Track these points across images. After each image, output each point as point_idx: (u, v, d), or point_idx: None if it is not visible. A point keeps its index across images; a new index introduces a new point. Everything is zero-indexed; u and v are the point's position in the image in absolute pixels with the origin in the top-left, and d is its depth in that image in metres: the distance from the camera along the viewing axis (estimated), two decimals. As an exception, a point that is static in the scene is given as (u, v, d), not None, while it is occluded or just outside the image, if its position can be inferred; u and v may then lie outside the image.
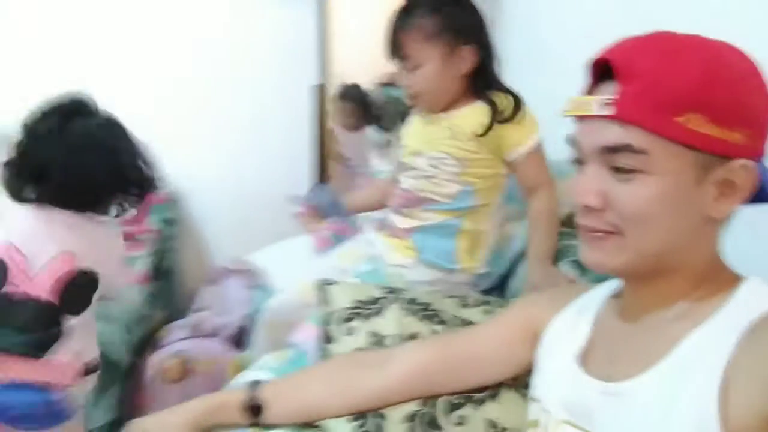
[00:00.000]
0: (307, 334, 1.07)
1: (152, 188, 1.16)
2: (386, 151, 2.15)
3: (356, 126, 2.33)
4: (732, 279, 0.60)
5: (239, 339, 1.73)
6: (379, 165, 2.13)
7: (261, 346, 1.37)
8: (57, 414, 1.03)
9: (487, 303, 1.00)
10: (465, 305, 0.98)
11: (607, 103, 0.58)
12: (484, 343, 0.81)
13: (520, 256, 1.32)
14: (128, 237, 1.70)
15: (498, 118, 1.15)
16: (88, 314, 1.09)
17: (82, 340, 1.08)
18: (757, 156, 0.57)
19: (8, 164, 1.05)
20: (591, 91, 0.62)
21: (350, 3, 2.20)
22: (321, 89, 2.15)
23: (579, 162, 0.63)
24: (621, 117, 0.57)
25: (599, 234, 0.61)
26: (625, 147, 0.57)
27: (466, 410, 0.80)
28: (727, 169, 0.56)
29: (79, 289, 1.06)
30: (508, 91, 1.19)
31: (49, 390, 1.02)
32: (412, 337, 0.90)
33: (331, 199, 1.44)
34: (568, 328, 0.72)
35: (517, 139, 1.16)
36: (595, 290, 0.75)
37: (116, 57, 2.00)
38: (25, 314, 1.01)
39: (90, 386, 1.14)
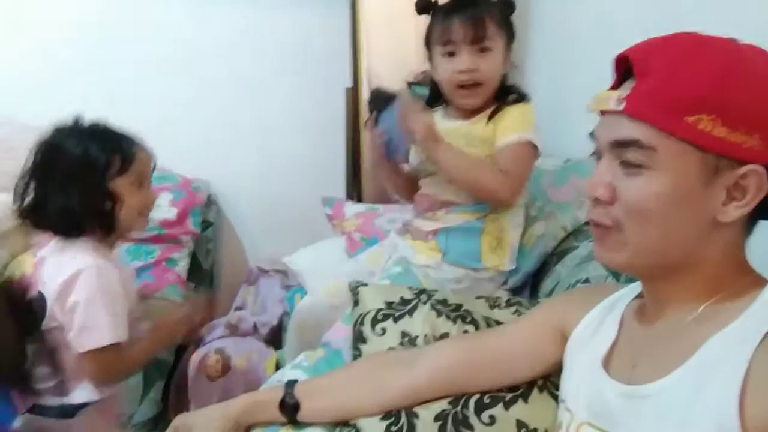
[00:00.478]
0: (340, 334, 1.10)
1: None
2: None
3: None
4: (756, 282, 0.60)
5: (275, 337, 1.77)
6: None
7: (292, 347, 1.40)
8: None
9: (518, 304, 1.01)
10: (496, 306, 0.99)
11: (621, 99, 0.59)
12: (512, 342, 0.82)
13: (551, 256, 1.32)
14: (170, 239, 1.78)
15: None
16: None
17: None
18: None
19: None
20: (614, 87, 0.64)
21: (382, 5, 2.21)
22: (354, 91, 2.17)
23: (597, 156, 0.65)
24: (631, 113, 0.58)
25: (602, 229, 0.63)
26: (634, 142, 0.58)
27: (497, 410, 0.81)
28: (738, 173, 0.56)
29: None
30: (518, 91, 1.24)
31: None
32: (443, 337, 0.92)
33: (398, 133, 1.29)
34: (594, 329, 0.73)
35: (508, 132, 1.18)
36: (623, 291, 0.75)
37: (153, 62, 2.06)
38: None
39: None
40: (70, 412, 1.12)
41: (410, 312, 0.95)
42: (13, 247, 1.76)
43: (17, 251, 1.77)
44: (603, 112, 0.63)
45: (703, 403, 0.53)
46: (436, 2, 1.22)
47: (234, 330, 1.75)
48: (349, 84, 2.13)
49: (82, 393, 1.13)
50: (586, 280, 1.09)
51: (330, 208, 1.89)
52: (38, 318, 1.10)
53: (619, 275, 1.02)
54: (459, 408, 0.81)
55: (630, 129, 0.59)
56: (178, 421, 0.87)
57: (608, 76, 0.65)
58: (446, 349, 0.85)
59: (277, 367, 1.55)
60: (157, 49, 2.05)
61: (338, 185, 2.21)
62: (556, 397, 0.81)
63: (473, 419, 0.81)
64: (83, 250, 1.11)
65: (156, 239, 1.75)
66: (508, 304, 1.00)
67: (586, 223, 1.26)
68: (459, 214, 1.23)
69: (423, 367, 0.82)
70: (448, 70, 1.20)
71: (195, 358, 1.60)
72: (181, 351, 1.69)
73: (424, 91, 1.38)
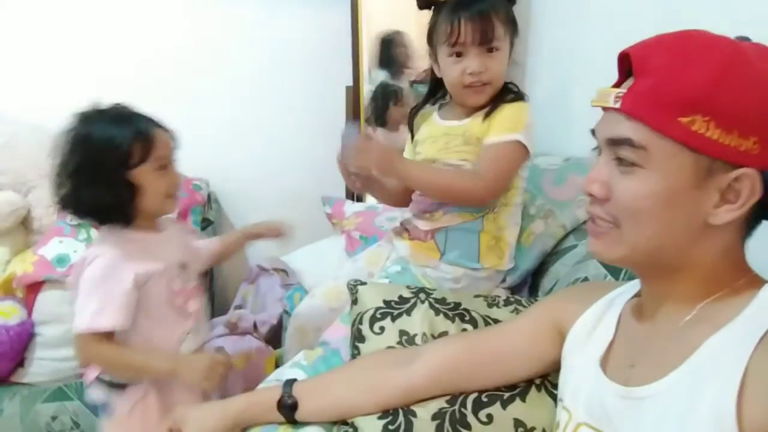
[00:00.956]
0: (338, 333, 1.10)
1: None
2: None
3: (386, 121, 2.33)
4: (753, 283, 0.59)
5: (275, 336, 1.77)
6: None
7: (291, 350, 1.40)
8: None
9: (516, 302, 1.00)
10: (494, 305, 0.99)
11: (618, 97, 0.59)
12: (510, 340, 0.82)
13: (550, 254, 1.32)
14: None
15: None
16: None
17: None
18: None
19: None
20: (617, 84, 0.64)
21: (382, 3, 2.21)
22: (354, 90, 2.17)
23: (599, 152, 0.65)
24: (627, 111, 0.58)
25: (600, 224, 0.63)
26: (626, 141, 0.58)
27: (494, 409, 0.81)
28: (731, 176, 0.55)
29: None
30: (516, 91, 1.22)
31: None
32: (441, 335, 0.92)
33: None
34: (592, 327, 0.73)
35: (494, 131, 1.17)
36: (620, 289, 0.75)
37: (152, 60, 2.06)
38: None
39: None
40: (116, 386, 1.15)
41: (408, 311, 0.95)
42: (14, 244, 1.77)
43: (18, 249, 1.78)
44: (604, 109, 0.63)
45: (700, 405, 0.53)
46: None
47: (233, 328, 1.75)
48: (350, 83, 2.13)
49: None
50: (585, 279, 1.09)
51: (329, 207, 1.89)
52: None
53: (618, 274, 1.02)
54: (457, 407, 0.81)
55: (625, 127, 0.59)
56: (177, 413, 0.87)
57: (609, 73, 0.65)
58: (444, 348, 0.85)
59: (277, 365, 1.55)
60: (156, 47, 2.05)
61: (338, 184, 2.20)
62: (554, 396, 0.81)
63: (471, 418, 0.81)
64: (102, 239, 1.13)
65: (156, 238, 1.75)
66: (507, 302, 1.00)
67: (585, 222, 1.26)
68: (457, 215, 1.22)
69: (421, 366, 0.82)
70: (457, 71, 1.18)
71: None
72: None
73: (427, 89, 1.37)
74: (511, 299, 1.01)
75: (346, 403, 0.84)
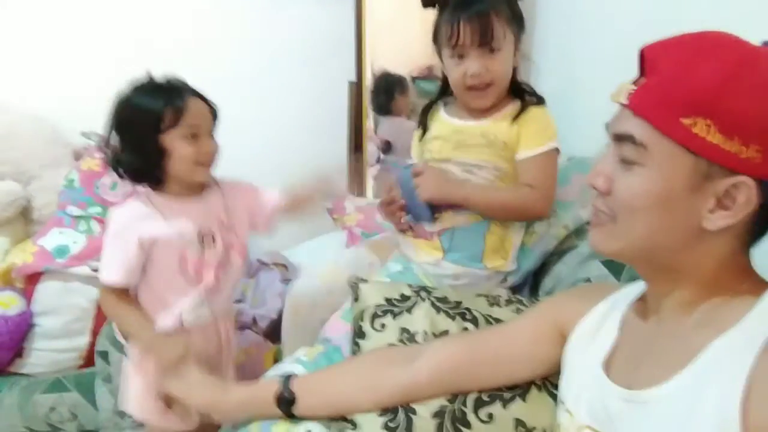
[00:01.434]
0: (340, 330, 1.09)
1: None
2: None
3: (391, 110, 2.33)
4: (757, 286, 0.59)
5: (274, 330, 1.77)
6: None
7: (288, 330, 1.39)
8: None
9: (518, 302, 1.00)
10: (495, 304, 0.99)
11: (629, 93, 0.59)
12: (511, 340, 0.82)
13: (552, 254, 1.32)
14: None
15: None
16: None
17: None
18: None
19: None
20: (636, 80, 0.63)
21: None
22: (357, 86, 2.16)
23: (610, 147, 0.65)
24: (632, 108, 0.59)
25: (600, 216, 0.64)
26: (629, 137, 0.59)
27: (495, 408, 0.81)
28: (729, 183, 0.55)
29: None
30: (533, 92, 1.21)
31: None
32: (443, 334, 0.92)
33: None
34: (594, 329, 0.72)
35: (531, 143, 1.17)
36: (623, 291, 0.75)
37: (154, 56, 2.04)
38: None
39: None
40: None
41: (410, 309, 0.95)
42: (14, 234, 1.77)
43: (18, 239, 1.78)
44: (619, 103, 0.63)
45: (704, 409, 0.52)
46: None
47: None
48: (353, 78, 2.12)
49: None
50: (587, 280, 1.09)
51: (330, 202, 1.89)
52: None
53: (619, 274, 1.02)
54: (457, 405, 0.81)
55: (629, 124, 0.59)
56: (182, 371, 0.90)
57: (614, 72, 0.65)
58: (445, 347, 0.85)
59: (276, 360, 1.55)
60: (158, 42, 2.04)
61: (341, 179, 2.20)
62: (554, 397, 0.81)
63: (471, 416, 0.80)
64: (130, 198, 1.18)
65: (157, 230, 1.74)
66: (508, 302, 0.99)
67: (588, 222, 1.26)
68: (464, 215, 1.22)
69: (422, 364, 0.82)
70: (458, 73, 1.18)
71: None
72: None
73: (430, 85, 1.37)
74: (513, 299, 1.01)
75: (345, 400, 0.84)
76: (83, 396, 1.49)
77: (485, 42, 1.14)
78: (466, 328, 0.93)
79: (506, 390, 0.82)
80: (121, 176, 1.15)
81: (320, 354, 1.05)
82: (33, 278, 1.57)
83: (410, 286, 1.01)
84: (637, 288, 0.72)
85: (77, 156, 1.91)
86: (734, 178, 0.54)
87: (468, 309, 0.95)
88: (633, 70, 0.63)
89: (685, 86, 0.55)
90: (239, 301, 1.94)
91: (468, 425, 0.80)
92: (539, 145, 1.17)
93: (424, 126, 1.32)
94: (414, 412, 0.81)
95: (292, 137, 2.21)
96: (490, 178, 1.20)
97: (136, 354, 1.21)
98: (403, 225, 1.28)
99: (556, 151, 1.20)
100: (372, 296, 0.99)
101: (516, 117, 1.18)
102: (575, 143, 1.49)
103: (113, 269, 1.13)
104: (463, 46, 1.15)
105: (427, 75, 2.20)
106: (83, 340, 1.58)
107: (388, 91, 2.24)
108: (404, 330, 0.93)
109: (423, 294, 0.98)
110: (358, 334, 0.95)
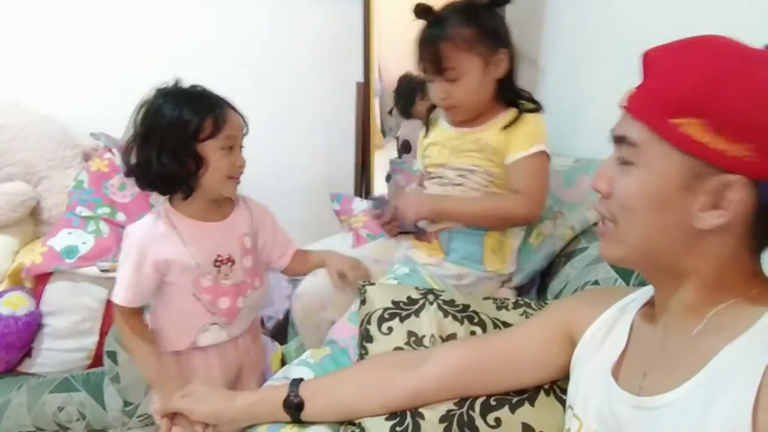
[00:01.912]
0: (346, 333, 1.09)
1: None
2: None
3: (413, 114, 2.32)
4: (767, 293, 0.59)
5: (281, 332, 1.78)
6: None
7: (302, 331, 1.39)
8: None
9: (526, 305, 1.00)
10: (503, 307, 0.98)
11: (629, 97, 0.61)
12: (519, 345, 0.81)
13: (559, 256, 1.31)
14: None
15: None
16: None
17: None
18: (764, 176, 0.54)
19: None
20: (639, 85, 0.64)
21: (393, 0, 2.20)
22: (365, 86, 2.16)
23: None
24: (629, 110, 0.60)
25: (606, 223, 0.65)
26: (624, 138, 0.61)
27: (503, 413, 0.81)
28: (721, 181, 0.55)
29: None
30: (531, 98, 1.21)
31: None
32: (450, 337, 0.92)
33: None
34: (603, 335, 0.72)
35: (517, 147, 1.18)
36: (632, 296, 0.74)
37: (162, 56, 2.05)
38: None
39: None
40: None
41: (417, 312, 0.95)
42: (23, 234, 1.78)
43: (27, 239, 1.79)
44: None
45: (714, 416, 0.52)
46: (430, 8, 1.19)
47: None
48: (360, 79, 2.12)
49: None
50: (595, 282, 1.08)
51: (338, 204, 1.89)
52: None
53: (628, 278, 1.01)
54: (465, 409, 0.81)
55: (627, 126, 0.61)
56: (187, 387, 0.89)
57: (621, 75, 0.66)
58: (453, 351, 0.85)
59: (283, 362, 1.55)
60: (166, 43, 2.05)
61: (347, 180, 2.20)
62: (562, 402, 0.80)
63: (479, 421, 0.80)
64: (151, 214, 1.17)
65: (164, 231, 1.75)
66: (516, 305, 0.99)
67: (595, 224, 1.26)
68: None
69: (430, 369, 0.82)
70: (431, 91, 1.22)
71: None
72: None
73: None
74: (521, 302, 1.01)
75: (353, 404, 0.84)
76: (91, 395, 1.50)
77: (439, 71, 1.15)
78: (473, 332, 0.92)
79: (514, 395, 0.82)
80: (142, 186, 1.13)
81: (327, 356, 1.05)
82: (42, 278, 1.58)
83: (417, 288, 1.01)
84: (647, 292, 0.72)
85: (86, 157, 1.92)
86: (724, 176, 0.55)
87: (475, 312, 0.95)
88: (640, 74, 0.64)
89: (676, 87, 0.57)
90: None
91: (475, 430, 0.80)
92: (525, 148, 1.17)
93: (427, 127, 1.34)
94: (422, 416, 0.81)
95: (300, 138, 2.21)
96: (483, 182, 1.22)
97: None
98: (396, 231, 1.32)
99: (545, 154, 1.19)
100: (379, 299, 0.98)
101: (508, 125, 1.19)
102: (581, 145, 1.48)
103: (125, 290, 1.12)
104: (425, 71, 1.18)
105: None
106: (91, 340, 1.58)
107: (409, 95, 2.23)
108: (411, 333, 0.93)
109: (430, 297, 0.97)
110: (366, 337, 0.95)
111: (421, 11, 1.20)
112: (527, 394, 0.82)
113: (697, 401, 0.54)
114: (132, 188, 1.77)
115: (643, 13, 1.35)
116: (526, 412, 0.81)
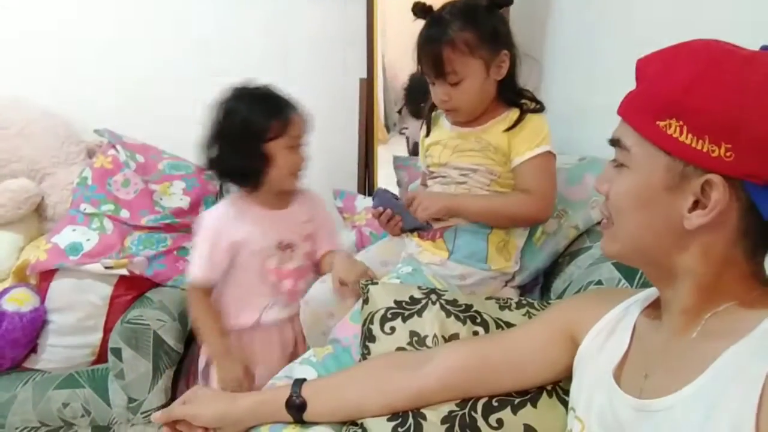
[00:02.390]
0: (349, 332, 1.09)
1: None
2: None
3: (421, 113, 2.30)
4: None
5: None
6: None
7: (309, 336, 1.40)
8: None
9: (528, 305, 0.99)
10: (506, 307, 0.98)
11: (621, 102, 0.63)
12: (522, 345, 0.81)
13: (563, 255, 1.31)
14: (183, 227, 1.78)
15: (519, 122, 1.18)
16: None
17: None
18: (746, 175, 0.55)
19: None
20: None
21: (398, -5, 2.19)
22: (368, 83, 2.15)
23: None
24: (620, 114, 0.63)
25: (606, 221, 0.67)
26: (616, 141, 0.63)
27: (505, 414, 0.81)
28: (703, 181, 0.56)
29: None
30: (533, 97, 1.20)
31: None
32: (453, 337, 0.91)
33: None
34: (606, 336, 0.72)
35: (522, 149, 1.17)
36: (636, 297, 0.74)
37: (166, 53, 2.06)
38: None
39: None
40: None
41: (419, 312, 0.95)
42: (28, 231, 1.79)
43: (32, 236, 1.80)
44: None
45: (718, 418, 0.52)
46: (430, 8, 1.18)
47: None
48: (364, 75, 2.12)
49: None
50: (599, 282, 1.08)
51: (341, 201, 1.89)
52: None
53: (632, 278, 1.01)
54: (467, 410, 0.81)
55: (621, 130, 0.63)
56: (190, 391, 0.90)
57: (627, 74, 0.66)
58: (455, 352, 0.85)
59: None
60: (170, 40, 2.05)
61: (350, 177, 2.20)
62: (565, 403, 0.80)
63: (481, 422, 0.80)
64: (226, 201, 1.32)
65: (168, 228, 1.75)
66: (519, 305, 0.99)
67: (599, 223, 1.25)
68: None
69: (432, 369, 0.82)
70: (432, 93, 1.22)
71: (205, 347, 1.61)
72: (191, 340, 1.70)
73: None
74: (524, 302, 1.00)
75: (355, 405, 0.84)
76: (96, 392, 1.51)
77: (441, 75, 1.15)
78: (476, 332, 0.92)
79: (516, 396, 0.82)
80: (219, 178, 1.29)
81: (329, 355, 1.05)
82: (47, 275, 1.58)
83: (420, 288, 1.00)
84: (652, 294, 0.72)
85: (90, 153, 1.92)
86: (706, 176, 0.56)
87: (478, 312, 0.95)
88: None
89: (660, 90, 0.58)
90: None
91: (477, 431, 0.79)
92: (530, 149, 1.17)
93: (428, 127, 1.33)
94: (424, 417, 0.81)
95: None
96: (486, 181, 1.22)
97: (203, 359, 1.36)
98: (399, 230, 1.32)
99: (551, 154, 1.19)
100: (382, 298, 0.98)
101: (511, 126, 1.18)
102: (587, 143, 1.48)
103: (199, 269, 1.26)
104: (427, 75, 1.18)
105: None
106: (96, 337, 1.59)
107: (420, 94, 2.21)
108: (414, 333, 0.92)
109: (433, 297, 0.97)
110: (368, 337, 0.95)
111: (420, 10, 1.18)
112: (529, 396, 0.82)
113: (699, 405, 0.54)
114: (135, 185, 1.77)
115: (648, 11, 1.34)
116: (528, 414, 0.81)
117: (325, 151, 2.21)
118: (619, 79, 0.66)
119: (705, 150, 0.55)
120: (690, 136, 0.56)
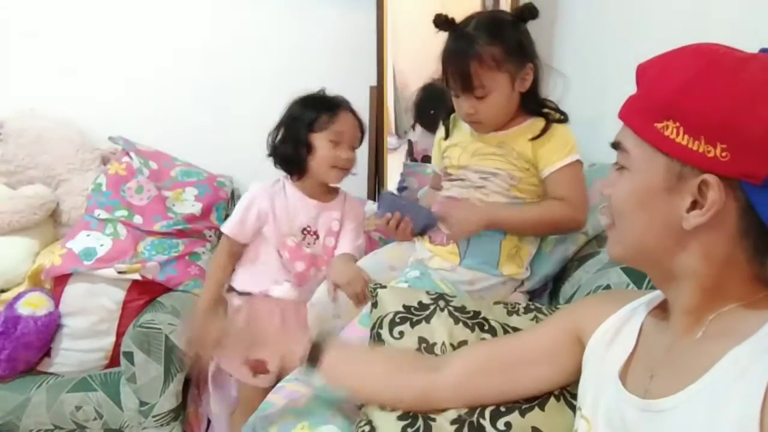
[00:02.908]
0: (357, 335, 1.10)
1: None
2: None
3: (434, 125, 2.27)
4: None
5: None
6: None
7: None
8: None
9: (536, 310, 1.00)
10: (514, 312, 0.98)
11: (622, 105, 0.64)
12: (532, 353, 0.81)
13: (572, 260, 1.31)
14: (194, 233, 1.80)
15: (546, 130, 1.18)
16: None
17: None
18: (743, 175, 0.55)
19: None
20: None
21: (408, 3, 2.21)
22: (378, 90, 2.17)
23: None
24: (620, 117, 0.64)
25: (608, 224, 0.68)
26: (617, 144, 0.64)
27: (513, 417, 0.81)
28: (700, 181, 0.56)
29: None
30: (557, 108, 1.20)
31: None
32: (461, 344, 0.92)
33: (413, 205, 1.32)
34: (612, 337, 0.72)
35: (552, 159, 1.18)
36: (643, 298, 0.75)
37: (177, 60, 2.08)
38: None
39: None
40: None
41: (428, 318, 0.95)
42: (43, 236, 1.82)
43: (47, 241, 1.83)
44: None
45: (722, 418, 0.52)
46: (452, 20, 1.18)
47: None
48: (374, 82, 2.13)
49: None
50: (607, 286, 1.08)
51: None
52: None
53: (641, 282, 1.00)
54: (475, 417, 0.81)
55: (622, 133, 0.64)
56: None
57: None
58: (467, 360, 0.84)
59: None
60: (182, 46, 2.07)
61: (360, 183, 2.20)
62: (572, 406, 0.80)
63: (488, 425, 0.81)
64: (273, 180, 1.49)
65: (180, 233, 1.77)
66: (527, 310, 0.99)
67: (607, 229, 1.25)
68: None
69: (444, 376, 0.82)
70: (457, 106, 1.22)
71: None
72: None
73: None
74: (531, 306, 1.00)
75: (368, 387, 0.86)
76: (108, 395, 1.53)
77: (468, 89, 1.15)
78: (483, 339, 0.93)
79: (524, 401, 0.82)
80: (275, 165, 1.44)
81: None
82: (61, 280, 1.61)
83: (428, 293, 1.01)
84: (660, 296, 0.72)
85: (105, 160, 1.96)
86: (703, 176, 0.56)
87: (486, 319, 0.95)
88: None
89: (657, 92, 0.59)
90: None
91: (485, 433, 0.80)
92: (560, 159, 1.18)
93: (447, 130, 1.33)
94: (433, 419, 0.82)
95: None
96: (505, 186, 1.21)
97: (213, 364, 1.47)
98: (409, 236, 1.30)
99: (579, 162, 1.20)
100: (391, 302, 0.99)
101: (537, 136, 1.18)
102: (597, 150, 1.48)
103: (232, 223, 1.43)
104: (453, 89, 1.18)
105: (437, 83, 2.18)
106: (109, 341, 1.61)
107: (431, 106, 2.20)
108: (423, 340, 0.93)
109: (441, 303, 0.98)
110: (377, 340, 0.96)
111: (443, 23, 1.17)
112: (538, 400, 0.82)
113: (703, 405, 0.54)
114: (148, 191, 1.80)
115: (658, 20, 1.34)
116: (536, 416, 0.81)
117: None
118: (628, 87, 0.67)
119: (701, 150, 0.56)
120: (686, 137, 0.56)
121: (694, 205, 0.58)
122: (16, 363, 1.53)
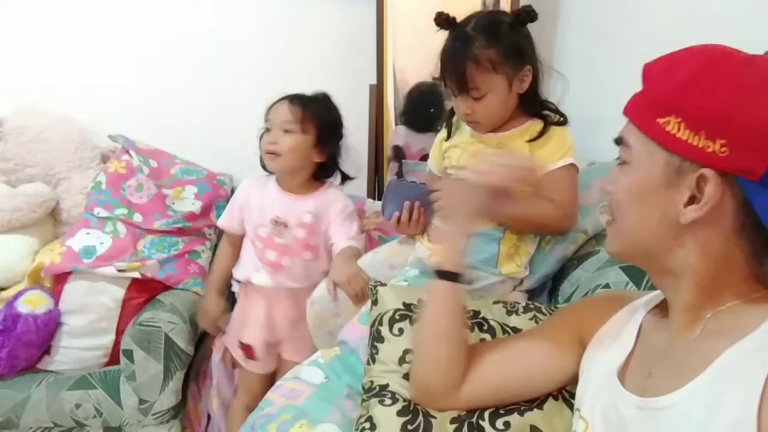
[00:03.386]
0: (357, 333, 1.10)
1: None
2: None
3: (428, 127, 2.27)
4: None
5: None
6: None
7: (315, 336, 1.41)
8: None
9: (536, 310, 1.00)
10: (513, 312, 0.99)
11: (627, 102, 0.65)
12: (535, 357, 0.81)
13: (571, 259, 1.31)
14: (194, 231, 1.80)
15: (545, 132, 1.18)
16: None
17: None
18: (741, 171, 0.56)
19: None
20: None
21: (408, 1, 2.21)
22: (378, 88, 2.17)
23: None
24: (625, 113, 0.65)
25: (608, 219, 0.68)
26: (620, 139, 0.65)
27: (511, 416, 0.81)
28: (698, 176, 0.57)
29: None
30: (556, 110, 1.20)
31: None
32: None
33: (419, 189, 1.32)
34: (613, 337, 0.72)
35: (548, 158, 1.18)
36: (643, 299, 0.75)
37: (176, 58, 2.08)
38: None
39: None
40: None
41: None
42: (43, 235, 1.82)
43: (47, 240, 1.83)
44: None
45: (719, 416, 0.52)
46: (453, 19, 1.18)
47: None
48: (374, 81, 2.13)
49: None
50: (606, 286, 1.08)
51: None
52: None
53: (640, 281, 1.01)
54: (474, 419, 0.82)
55: (625, 129, 0.65)
56: None
57: (636, 78, 0.67)
58: (479, 388, 0.83)
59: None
60: (181, 44, 2.07)
61: (359, 181, 2.20)
62: (570, 405, 0.81)
63: (487, 425, 0.81)
64: (264, 176, 1.58)
65: (180, 232, 1.77)
66: (526, 309, 0.99)
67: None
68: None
69: (458, 398, 0.82)
70: (455, 105, 1.22)
71: (218, 345, 1.63)
72: (202, 342, 1.71)
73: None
74: (531, 306, 1.01)
75: (435, 331, 0.84)
76: (108, 393, 1.53)
77: (464, 90, 1.15)
78: (482, 339, 0.93)
79: (523, 403, 0.82)
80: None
81: (336, 357, 1.06)
82: (61, 278, 1.61)
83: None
84: (659, 295, 0.72)
85: (104, 159, 1.96)
86: (701, 171, 0.57)
87: (485, 319, 0.95)
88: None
89: (661, 88, 0.60)
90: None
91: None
92: (554, 161, 1.18)
93: (449, 130, 1.33)
94: (433, 416, 0.82)
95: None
96: None
97: (217, 354, 1.58)
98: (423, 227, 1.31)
99: (574, 166, 1.20)
100: (391, 300, 0.99)
101: (535, 138, 1.19)
102: (597, 148, 1.48)
103: (222, 216, 1.59)
104: (450, 89, 1.19)
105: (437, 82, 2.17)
106: (108, 339, 1.61)
107: (424, 106, 2.18)
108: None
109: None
110: (377, 338, 0.96)
111: (444, 22, 1.18)
112: (536, 400, 0.82)
113: (700, 403, 0.54)
114: (148, 189, 1.80)
115: (661, 16, 1.34)
116: (535, 416, 0.81)
117: (335, 156, 2.23)
118: (628, 86, 0.67)
119: (701, 146, 0.56)
120: (687, 132, 0.57)
121: (692, 200, 0.58)
122: (16, 361, 1.53)
